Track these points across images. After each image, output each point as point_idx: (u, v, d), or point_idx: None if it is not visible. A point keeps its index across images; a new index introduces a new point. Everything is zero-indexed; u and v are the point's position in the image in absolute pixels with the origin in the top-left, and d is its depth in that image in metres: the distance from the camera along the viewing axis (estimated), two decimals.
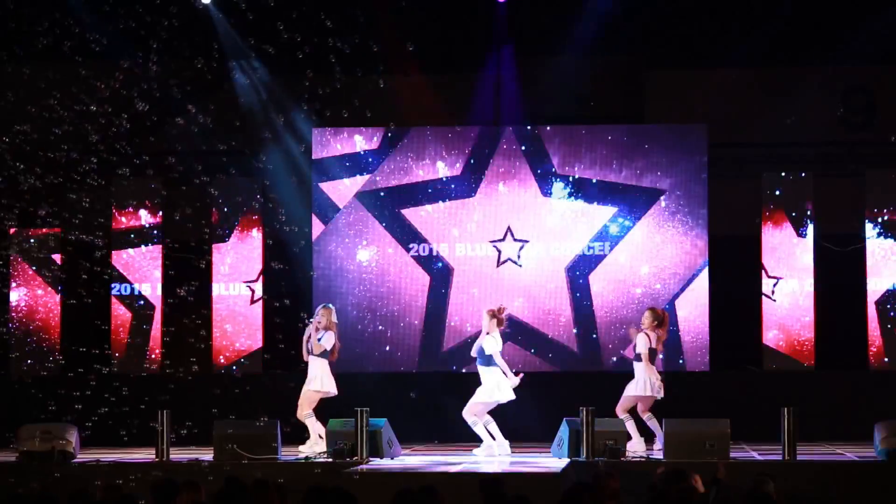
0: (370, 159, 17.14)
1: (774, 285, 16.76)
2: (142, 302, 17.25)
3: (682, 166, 16.83)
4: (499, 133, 17.13)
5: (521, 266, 16.98)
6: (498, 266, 17.01)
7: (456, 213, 17.07)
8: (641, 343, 14.44)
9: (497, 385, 14.44)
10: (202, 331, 17.05)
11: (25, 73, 15.43)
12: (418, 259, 17.09)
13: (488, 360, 14.45)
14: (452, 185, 17.07)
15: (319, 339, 14.36)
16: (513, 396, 14.52)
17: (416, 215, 17.09)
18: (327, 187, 17.15)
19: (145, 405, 15.56)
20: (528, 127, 17.12)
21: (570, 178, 16.94)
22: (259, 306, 17.18)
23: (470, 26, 16.79)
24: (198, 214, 16.96)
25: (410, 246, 17.09)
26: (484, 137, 17.12)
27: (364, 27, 15.22)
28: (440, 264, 17.06)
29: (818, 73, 17.16)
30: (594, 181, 16.92)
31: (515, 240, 17.01)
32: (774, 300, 16.77)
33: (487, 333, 14.48)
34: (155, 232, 17.29)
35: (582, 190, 16.94)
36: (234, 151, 16.20)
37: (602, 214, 16.91)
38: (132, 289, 17.28)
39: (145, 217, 17.29)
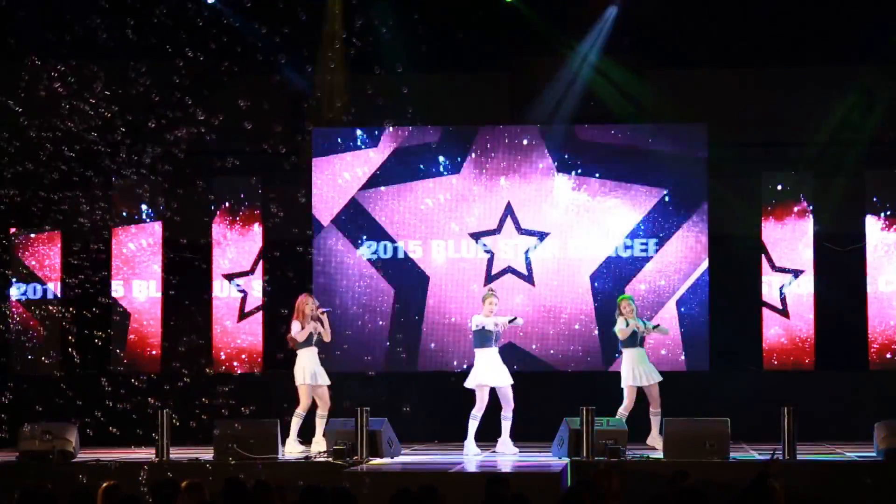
0: (370, 156, 17.14)
1: (783, 289, 16.75)
2: (142, 301, 17.25)
3: (683, 165, 16.84)
4: (500, 131, 17.12)
5: (520, 263, 16.98)
6: (498, 263, 17.00)
7: (457, 210, 17.08)
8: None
9: (478, 370, 14.50)
10: (202, 330, 17.05)
11: (26, 73, 15.42)
12: (417, 256, 17.08)
13: (479, 341, 14.55)
14: (454, 182, 17.07)
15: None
16: (501, 383, 14.53)
17: (417, 212, 17.09)
18: (328, 185, 17.15)
19: (145, 405, 15.55)
20: (529, 126, 17.13)
21: (571, 177, 16.94)
22: (259, 305, 17.17)
23: (473, 26, 16.77)
24: (199, 213, 16.96)
25: (409, 243, 17.08)
26: (485, 136, 17.12)
27: (365, 25, 15.23)
28: (440, 261, 17.06)
29: (818, 72, 17.16)
30: (596, 179, 16.92)
31: (516, 238, 17.00)
32: (773, 302, 16.78)
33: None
34: (155, 230, 17.29)
35: (583, 188, 16.94)
36: (234, 151, 16.18)
37: (603, 212, 16.91)
38: (132, 288, 17.28)
39: (145, 216, 17.29)
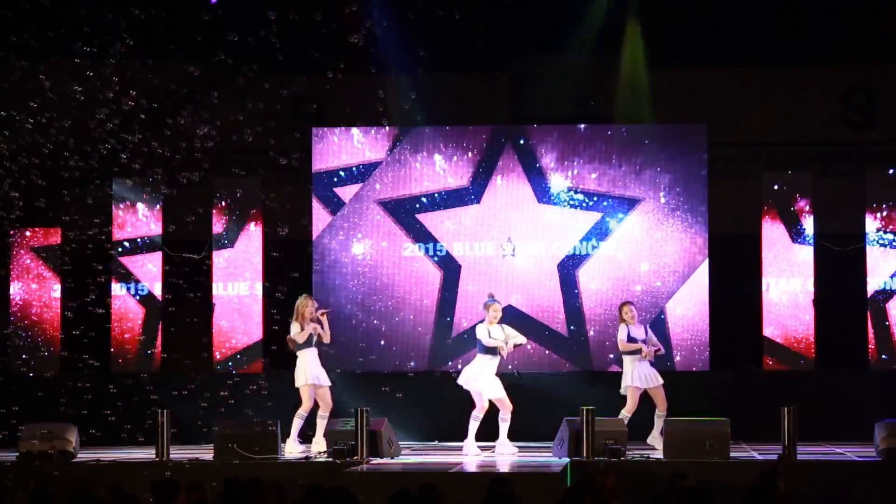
0: (368, 155, 17.14)
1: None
2: (142, 301, 17.25)
3: (682, 164, 16.83)
4: (498, 131, 17.12)
5: (519, 263, 16.98)
6: (496, 263, 17.01)
7: (453, 209, 17.07)
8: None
9: (473, 372, 14.51)
10: (202, 330, 17.05)
11: (25, 71, 15.43)
12: (415, 255, 17.08)
13: (483, 348, 14.58)
14: (450, 182, 17.07)
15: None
16: (493, 395, 14.50)
17: (414, 211, 17.09)
18: (326, 184, 17.15)
19: (145, 405, 15.56)
20: (527, 125, 17.13)
21: (570, 175, 16.94)
22: (259, 305, 17.18)
23: (473, 26, 16.77)
24: (198, 213, 16.96)
25: (407, 242, 17.08)
26: (483, 136, 17.12)
27: (365, 25, 15.23)
28: (437, 260, 17.06)
29: (818, 72, 17.17)
30: (594, 178, 16.92)
31: (515, 237, 17.01)
32: (773, 300, 16.79)
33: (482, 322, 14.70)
34: (154, 230, 17.28)
35: (581, 187, 16.94)
36: (234, 150, 16.18)
37: (602, 211, 16.91)
38: (132, 288, 17.28)
39: (145, 215, 17.29)
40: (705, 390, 16.33)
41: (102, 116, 14.88)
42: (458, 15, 15.59)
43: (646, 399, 14.81)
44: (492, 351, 14.54)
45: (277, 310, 16.40)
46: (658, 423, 14.74)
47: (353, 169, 17.15)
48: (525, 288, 16.94)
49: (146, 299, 17.25)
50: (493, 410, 14.64)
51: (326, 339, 14.80)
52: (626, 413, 14.65)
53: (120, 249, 17.29)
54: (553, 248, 16.97)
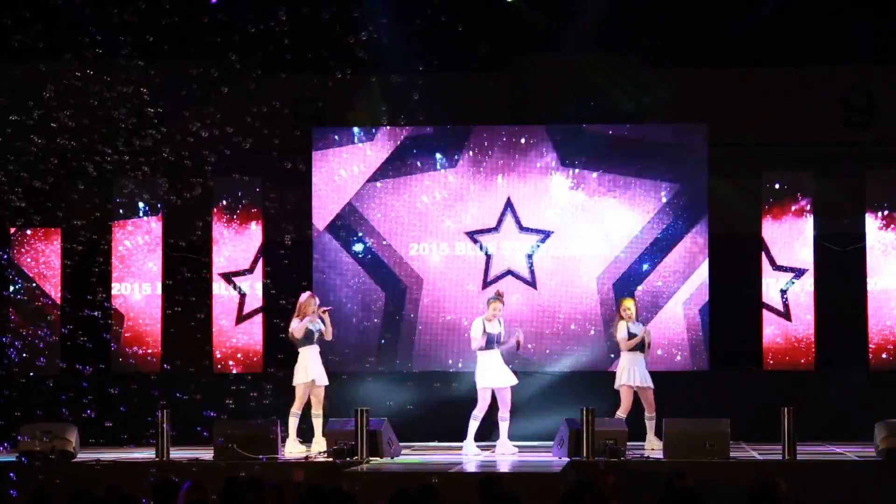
0: (368, 154, 17.13)
1: (784, 292, 16.74)
2: (142, 302, 17.25)
3: (683, 165, 16.84)
4: (498, 131, 17.12)
5: (518, 263, 16.98)
6: (496, 264, 17.01)
7: (454, 209, 17.07)
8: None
9: (481, 371, 14.50)
10: (202, 330, 17.05)
11: (23, 71, 15.44)
12: (416, 255, 17.08)
13: (477, 346, 14.57)
14: (451, 181, 17.07)
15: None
16: (505, 384, 14.50)
17: (414, 210, 17.09)
18: (326, 183, 17.15)
19: (146, 405, 15.56)
20: (528, 125, 17.13)
21: (569, 176, 16.94)
22: (259, 305, 17.17)
23: (473, 26, 16.78)
24: (199, 213, 16.97)
25: (408, 241, 17.08)
26: (484, 136, 17.12)
27: (365, 25, 15.24)
28: (437, 259, 17.06)
29: (818, 72, 17.17)
30: (594, 178, 16.92)
31: (514, 236, 17.01)
32: (775, 304, 16.77)
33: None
34: (155, 230, 17.29)
35: (581, 188, 16.94)
36: (234, 149, 16.19)
37: (601, 212, 16.91)
38: (133, 288, 17.28)
39: (145, 215, 17.29)
40: (705, 390, 16.34)
41: (106, 116, 14.89)
42: (460, 25, 15.62)
43: (638, 401, 14.84)
44: (489, 345, 14.54)
45: (277, 309, 16.41)
46: (650, 427, 14.77)
47: (354, 168, 17.16)
48: (524, 286, 16.94)
49: (146, 300, 17.26)
50: (493, 408, 14.63)
51: (328, 336, 14.81)
52: (620, 413, 14.68)
53: (121, 249, 17.30)
54: (553, 248, 16.98)
